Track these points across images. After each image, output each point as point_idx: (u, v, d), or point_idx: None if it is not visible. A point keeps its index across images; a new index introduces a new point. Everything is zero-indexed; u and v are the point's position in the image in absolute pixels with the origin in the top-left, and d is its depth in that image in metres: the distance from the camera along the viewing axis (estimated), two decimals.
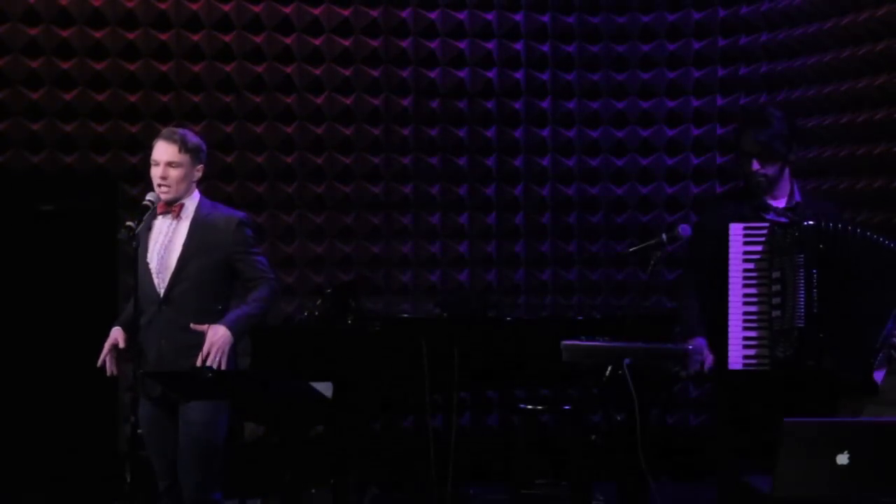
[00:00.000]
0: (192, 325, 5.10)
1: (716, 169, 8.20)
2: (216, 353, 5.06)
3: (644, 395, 4.92)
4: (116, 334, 5.25)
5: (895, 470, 3.97)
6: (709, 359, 5.03)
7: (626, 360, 4.85)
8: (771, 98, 7.85)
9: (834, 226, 4.87)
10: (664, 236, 5.17)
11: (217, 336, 5.08)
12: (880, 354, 4.78)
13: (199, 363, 5.03)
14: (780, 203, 5.04)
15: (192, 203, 5.31)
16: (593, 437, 6.77)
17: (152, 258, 5.25)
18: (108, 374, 5.22)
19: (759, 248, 4.89)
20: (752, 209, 5.01)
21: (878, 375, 4.83)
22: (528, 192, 8.26)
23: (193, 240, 5.24)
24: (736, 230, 4.92)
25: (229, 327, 5.12)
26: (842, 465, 3.96)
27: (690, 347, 5.00)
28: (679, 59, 8.22)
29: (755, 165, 4.98)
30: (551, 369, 6.04)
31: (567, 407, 7.11)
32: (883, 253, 4.84)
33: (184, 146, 5.23)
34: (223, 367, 5.07)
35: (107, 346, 5.22)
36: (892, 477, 3.97)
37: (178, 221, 5.28)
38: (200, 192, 5.38)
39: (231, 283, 5.37)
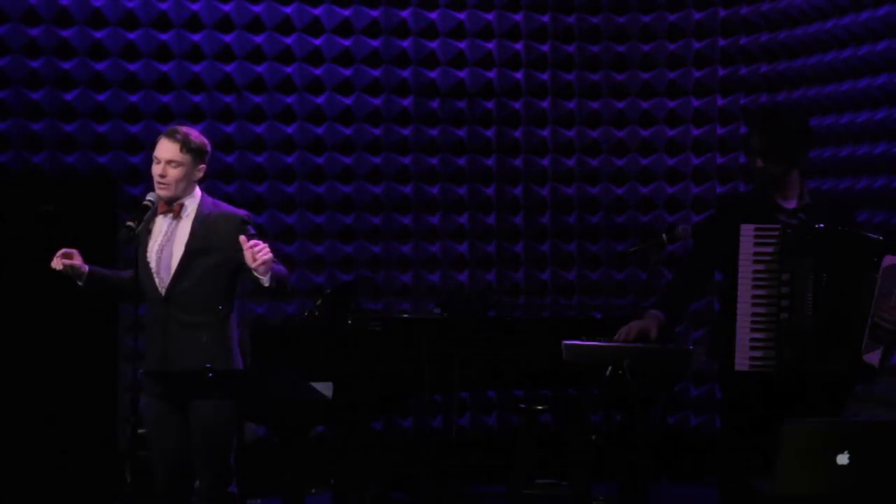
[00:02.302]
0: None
1: (716, 169, 8.19)
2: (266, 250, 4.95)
3: (644, 395, 4.92)
4: (79, 258, 5.21)
5: (895, 470, 3.97)
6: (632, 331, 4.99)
7: (626, 360, 4.85)
8: (771, 98, 7.85)
9: (845, 229, 4.86)
10: (664, 236, 5.17)
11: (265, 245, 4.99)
12: (865, 336, 4.77)
13: (247, 246, 4.91)
14: (791, 204, 5.02)
15: (192, 202, 5.29)
16: (593, 437, 6.78)
17: (153, 257, 5.24)
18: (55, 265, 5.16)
19: (769, 249, 4.86)
20: (763, 210, 4.98)
21: (873, 357, 4.80)
22: (528, 192, 8.26)
23: (196, 239, 5.22)
24: (746, 231, 4.88)
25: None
26: (842, 465, 3.96)
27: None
28: (679, 59, 8.22)
29: (759, 163, 4.96)
30: (551, 369, 6.05)
31: (567, 407, 7.11)
32: (867, 245, 4.84)
33: (185, 146, 5.21)
34: (268, 260, 4.94)
35: (62, 250, 5.18)
36: (892, 477, 3.97)
37: (179, 221, 5.27)
38: (202, 189, 5.37)
39: (232, 282, 5.35)
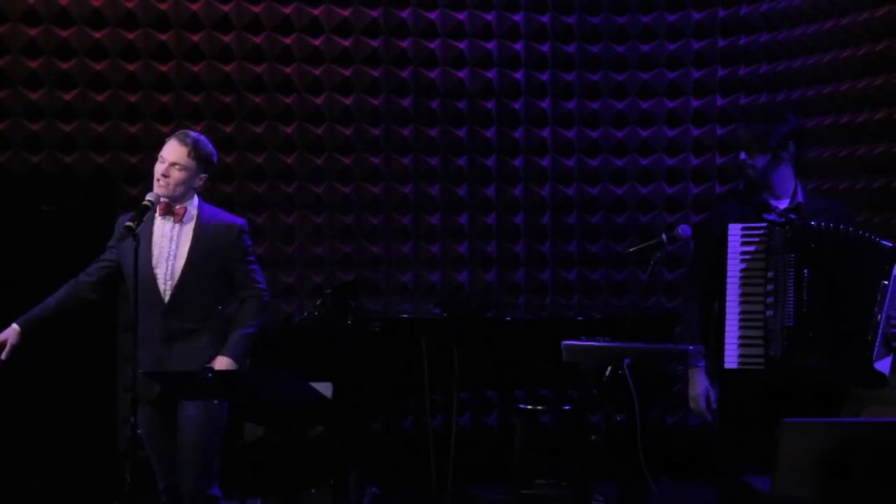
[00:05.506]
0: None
1: (716, 169, 8.20)
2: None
3: (644, 395, 4.92)
4: (8, 334, 5.27)
5: (895, 470, 3.97)
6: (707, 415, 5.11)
7: (626, 360, 4.85)
8: (771, 98, 7.85)
9: (826, 225, 4.88)
10: (664, 236, 5.17)
11: (220, 367, 5.17)
12: (877, 344, 4.77)
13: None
14: (783, 203, 5.05)
15: (193, 208, 5.29)
16: (593, 437, 6.77)
17: (159, 264, 5.22)
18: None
19: (755, 248, 4.91)
20: (753, 209, 5.02)
21: (884, 365, 4.81)
22: (528, 192, 8.26)
23: (198, 248, 5.23)
24: (734, 230, 4.94)
25: (233, 358, 5.20)
26: (841, 465, 3.96)
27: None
28: (679, 59, 8.22)
29: (742, 155, 5.04)
30: (551, 369, 6.04)
31: (567, 407, 7.11)
32: (876, 252, 4.84)
33: (194, 151, 5.21)
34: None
35: None
36: (893, 477, 3.97)
37: (182, 226, 5.26)
38: (199, 195, 5.36)
39: (229, 286, 5.37)
